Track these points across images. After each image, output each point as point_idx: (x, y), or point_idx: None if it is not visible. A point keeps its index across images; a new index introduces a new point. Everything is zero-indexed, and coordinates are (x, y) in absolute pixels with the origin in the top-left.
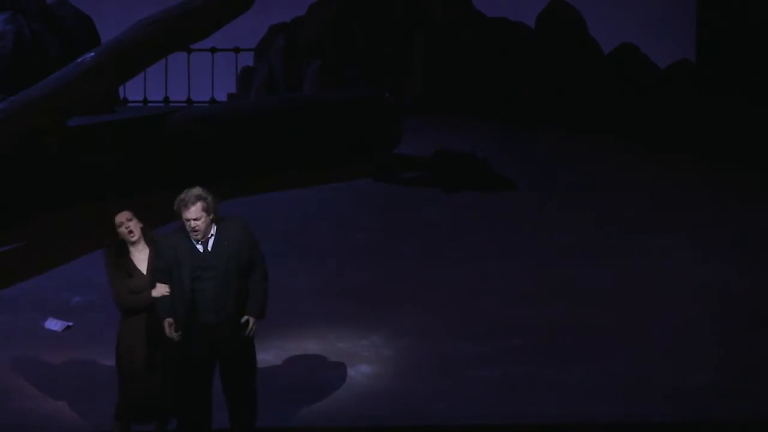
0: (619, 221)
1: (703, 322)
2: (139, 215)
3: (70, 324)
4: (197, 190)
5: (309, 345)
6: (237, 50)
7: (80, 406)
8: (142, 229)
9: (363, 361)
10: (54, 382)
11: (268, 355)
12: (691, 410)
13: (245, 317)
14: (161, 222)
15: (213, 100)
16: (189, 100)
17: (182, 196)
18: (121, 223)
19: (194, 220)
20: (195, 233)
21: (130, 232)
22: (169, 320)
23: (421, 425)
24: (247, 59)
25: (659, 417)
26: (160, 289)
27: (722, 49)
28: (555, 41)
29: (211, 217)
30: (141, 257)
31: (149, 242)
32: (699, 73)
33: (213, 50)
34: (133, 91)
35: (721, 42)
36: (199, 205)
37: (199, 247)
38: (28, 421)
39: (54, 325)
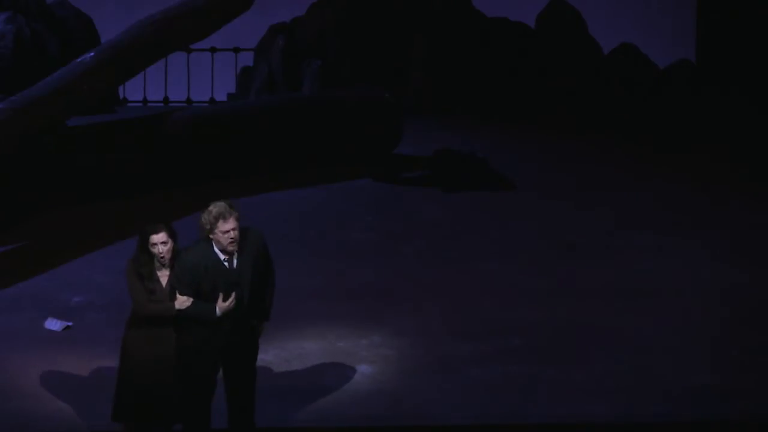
0: (620, 221)
1: (703, 321)
2: (172, 232)
3: (70, 324)
4: (225, 202)
5: (309, 345)
6: (237, 50)
7: (80, 406)
8: (173, 248)
9: (363, 361)
10: (54, 382)
11: (268, 355)
12: (691, 410)
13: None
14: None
15: (213, 100)
16: (189, 100)
17: (216, 210)
18: (155, 244)
19: (233, 230)
20: (232, 244)
21: (162, 256)
22: (219, 304)
23: (421, 425)
24: (247, 59)
25: (659, 417)
26: (182, 301)
27: (722, 49)
28: (555, 41)
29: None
30: (164, 273)
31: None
32: (699, 73)
33: (213, 50)
34: (132, 91)
35: (721, 42)
36: (235, 215)
37: (226, 264)
38: (28, 421)
39: (54, 325)
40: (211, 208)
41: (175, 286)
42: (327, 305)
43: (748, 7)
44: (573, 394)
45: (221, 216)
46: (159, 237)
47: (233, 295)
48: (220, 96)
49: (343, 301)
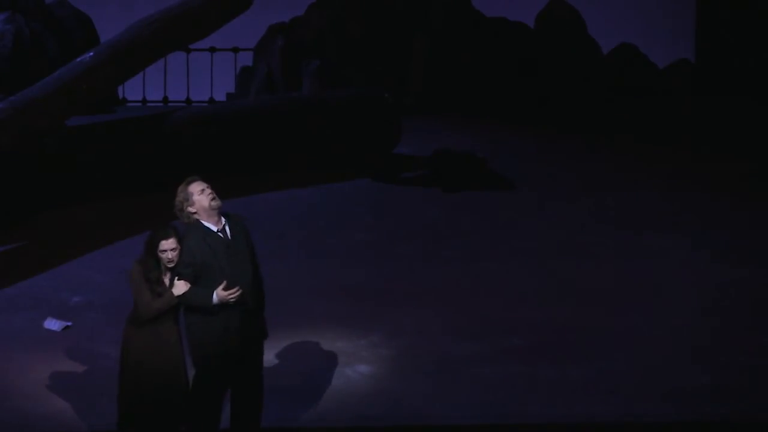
0: (619, 221)
1: (703, 321)
2: (180, 237)
3: (69, 324)
4: None
5: (308, 345)
6: (236, 50)
7: (80, 406)
8: (179, 252)
9: (362, 360)
10: (54, 382)
11: (267, 355)
12: (691, 410)
13: None
14: (161, 222)
15: (212, 100)
16: (188, 100)
17: (181, 185)
18: (165, 251)
19: (207, 187)
20: (214, 200)
21: (170, 260)
22: (219, 289)
23: (421, 425)
24: (246, 59)
25: (659, 417)
26: (181, 287)
27: (722, 49)
28: (554, 41)
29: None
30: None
31: None
32: (698, 74)
33: (212, 50)
34: (132, 91)
35: (721, 42)
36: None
37: (221, 234)
38: (28, 421)
39: (53, 324)
40: (177, 189)
41: (177, 271)
42: (327, 305)
43: (747, 7)
44: (573, 394)
45: (188, 182)
46: (169, 243)
47: (236, 290)
48: (220, 96)
49: (342, 301)
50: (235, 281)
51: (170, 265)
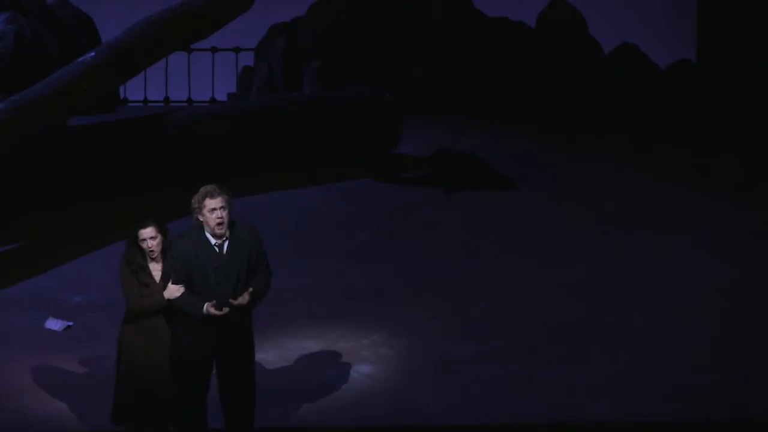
0: (620, 220)
1: (703, 321)
2: (161, 228)
3: (70, 324)
4: (215, 184)
5: (309, 345)
6: (237, 50)
7: (80, 406)
8: (163, 242)
9: (363, 360)
10: (54, 382)
11: (268, 355)
12: (691, 410)
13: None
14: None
15: (213, 100)
16: (189, 100)
17: (204, 189)
18: (144, 240)
19: (221, 209)
20: (220, 226)
21: (151, 250)
22: (209, 304)
23: (421, 425)
24: (248, 59)
25: (659, 417)
26: (173, 290)
27: (722, 49)
28: (555, 41)
29: (229, 214)
30: (157, 268)
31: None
32: (699, 73)
33: (213, 50)
34: (133, 91)
35: (721, 42)
36: (224, 196)
37: (216, 249)
38: (28, 421)
39: (54, 325)
40: (202, 189)
41: (169, 273)
42: (327, 305)
43: (748, 7)
44: (573, 394)
45: (208, 194)
46: (147, 232)
47: (225, 309)
48: (221, 96)
49: (343, 301)
50: (219, 297)
51: (152, 257)
